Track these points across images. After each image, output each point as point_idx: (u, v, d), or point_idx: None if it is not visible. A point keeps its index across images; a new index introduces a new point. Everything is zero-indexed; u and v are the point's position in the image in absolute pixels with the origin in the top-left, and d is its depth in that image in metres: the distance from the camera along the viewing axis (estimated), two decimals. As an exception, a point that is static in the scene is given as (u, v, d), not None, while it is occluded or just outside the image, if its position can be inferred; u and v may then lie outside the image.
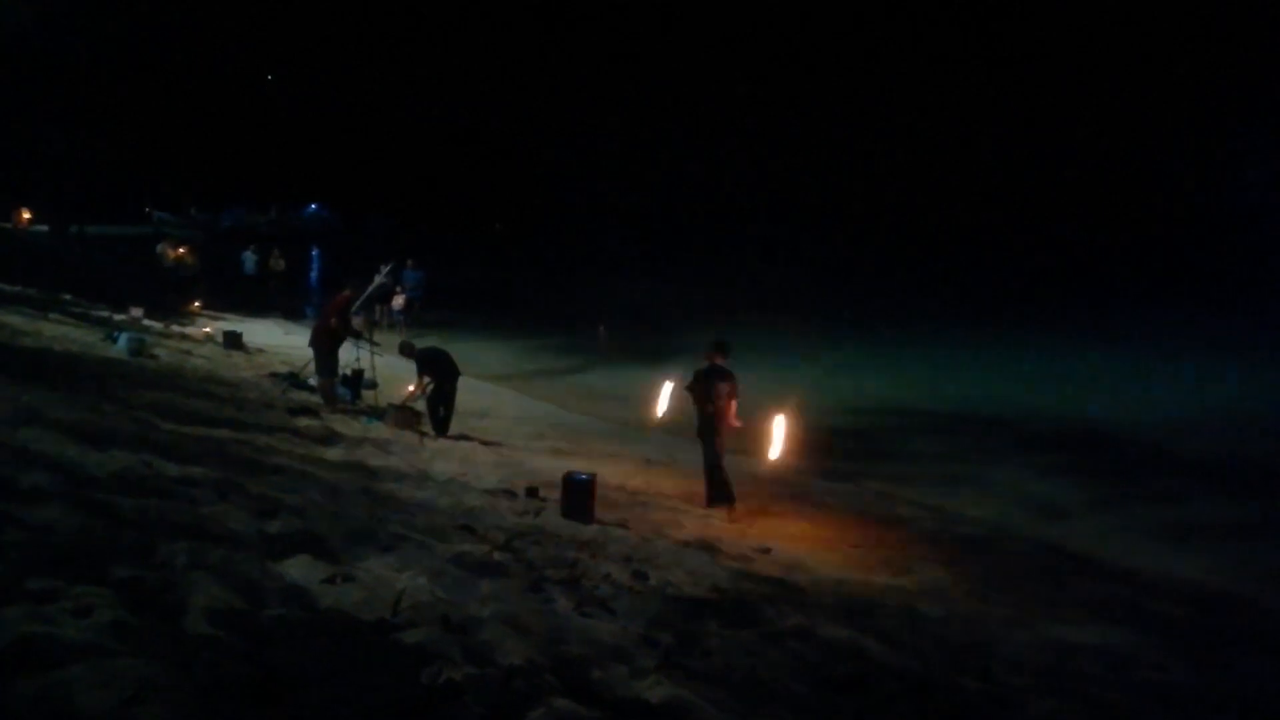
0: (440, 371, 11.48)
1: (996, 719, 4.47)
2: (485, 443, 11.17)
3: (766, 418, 9.39)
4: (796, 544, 8.27)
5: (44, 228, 35.68)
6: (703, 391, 9.42)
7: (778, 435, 9.26)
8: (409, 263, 17.53)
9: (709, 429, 9.36)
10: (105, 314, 16.72)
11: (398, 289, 20.56)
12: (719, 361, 9.50)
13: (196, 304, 21.94)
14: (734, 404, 9.39)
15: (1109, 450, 12.82)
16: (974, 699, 4.61)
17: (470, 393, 14.89)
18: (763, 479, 10.20)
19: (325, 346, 11.72)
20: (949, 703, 4.47)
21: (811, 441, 12.62)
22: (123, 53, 32.26)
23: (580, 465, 9.35)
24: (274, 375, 13.20)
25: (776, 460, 9.45)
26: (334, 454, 8.46)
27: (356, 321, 14.07)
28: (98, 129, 32.72)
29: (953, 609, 6.68)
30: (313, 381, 12.42)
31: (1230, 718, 5.36)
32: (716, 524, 8.69)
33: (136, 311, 17.05)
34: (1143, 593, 7.69)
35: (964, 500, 10.58)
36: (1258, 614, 7.39)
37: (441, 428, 11.36)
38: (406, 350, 12.08)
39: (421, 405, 11.75)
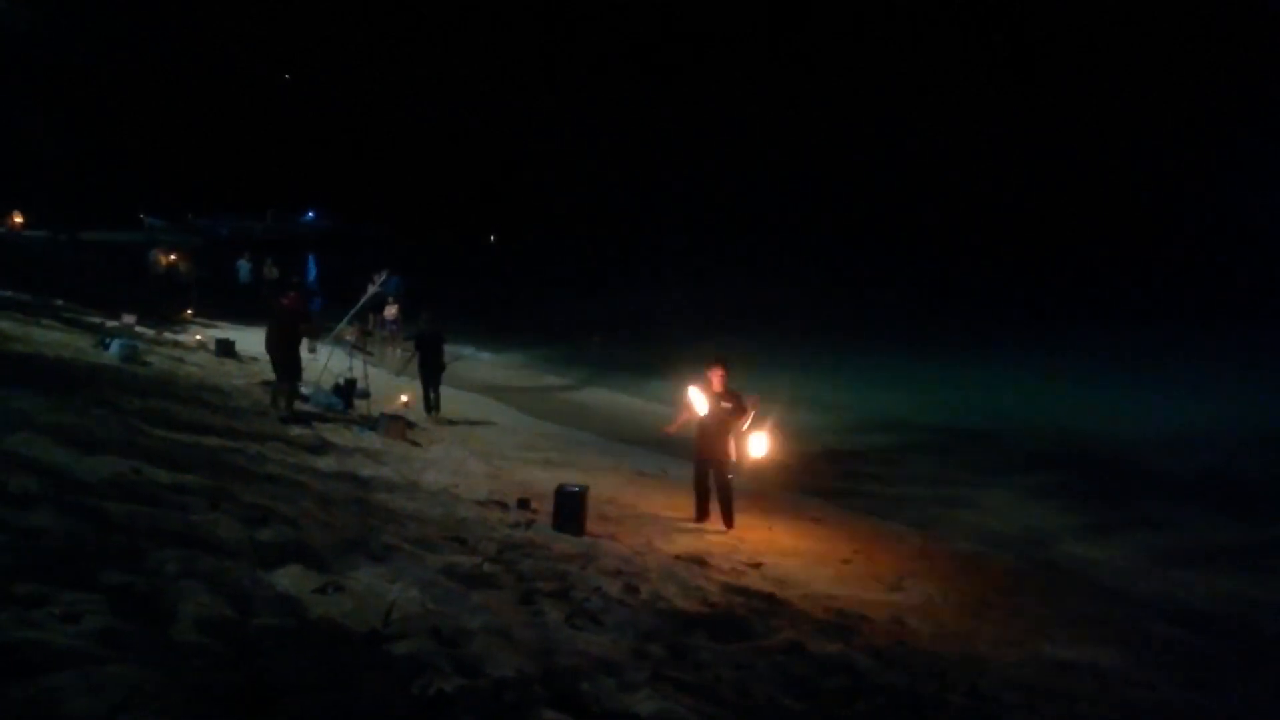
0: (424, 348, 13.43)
1: (986, 736, 4.47)
2: (477, 453, 11.15)
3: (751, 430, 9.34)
4: (788, 559, 8.26)
5: (41, 232, 35.55)
6: (717, 413, 9.25)
7: (759, 443, 9.20)
8: (384, 272, 17.38)
9: (722, 451, 9.25)
10: (97, 320, 16.66)
11: (390, 298, 20.51)
12: (722, 379, 9.34)
13: (189, 311, 21.89)
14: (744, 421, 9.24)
15: (1101, 468, 12.86)
16: (963, 715, 4.61)
17: (463, 404, 14.90)
18: (755, 495, 10.19)
19: (288, 351, 11.24)
20: (938, 719, 4.47)
21: (804, 458, 12.66)
22: (121, 58, 32.30)
23: (572, 477, 9.35)
24: (266, 384, 13.16)
25: (756, 461, 9.34)
26: (326, 463, 8.44)
27: (350, 331, 14.09)
28: (94, 133, 32.71)
29: (943, 626, 6.69)
30: (306, 390, 12.41)
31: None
32: (708, 538, 8.69)
33: (129, 318, 17.00)
34: (1133, 612, 7.70)
35: (955, 518, 10.59)
36: (1246, 634, 7.40)
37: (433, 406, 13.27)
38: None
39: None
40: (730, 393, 9.28)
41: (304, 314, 11.55)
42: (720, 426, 9.22)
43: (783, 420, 9.55)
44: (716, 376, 9.32)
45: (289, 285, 12.43)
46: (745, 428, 9.22)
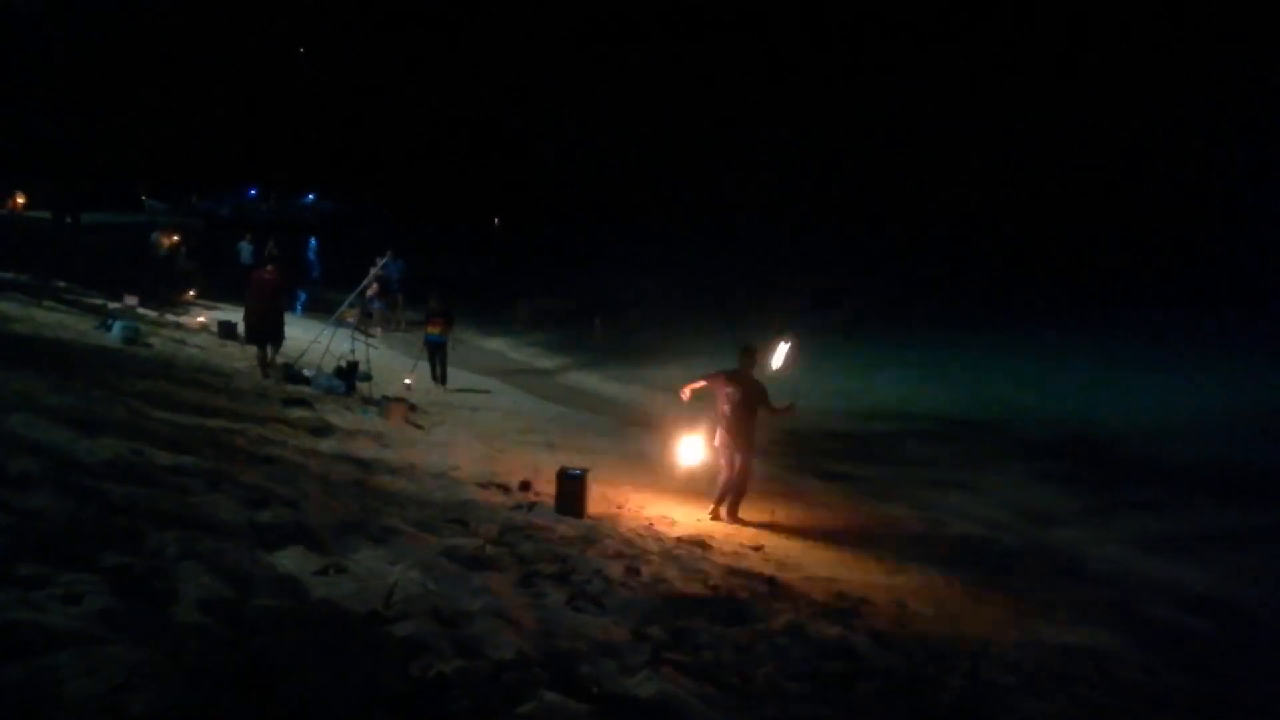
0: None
1: (985, 718, 4.48)
2: (479, 436, 11.16)
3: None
4: (789, 542, 8.28)
5: (44, 214, 35.41)
6: (747, 398, 9.02)
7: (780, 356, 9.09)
8: (388, 254, 17.28)
9: (745, 439, 9.04)
10: (99, 302, 16.65)
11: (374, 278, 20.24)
12: (751, 367, 9.08)
13: (191, 293, 21.87)
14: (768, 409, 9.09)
15: (1102, 455, 12.85)
16: (963, 698, 4.62)
17: (465, 387, 14.92)
18: (757, 478, 10.18)
19: (275, 320, 12.39)
20: (938, 701, 4.48)
21: (807, 442, 12.66)
22: (124, 39, 32.15)
23: (573, 460, 9.34)
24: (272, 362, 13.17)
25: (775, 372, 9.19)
26: (327, 446, 8.44)
27: (352, 314, 14.12)
28: (96, 115, 32.59)
29: (943, 609, 6.70)
30: (308, 372, 12.45)
31: (1215, 718, 5.38)
32: (710, 521, 8.70)
33: (131, 300, 16.98)
34: (1131, 596, 7.72)
35: (956, 503, 10.59)
36: (1243, 617, 7.42)
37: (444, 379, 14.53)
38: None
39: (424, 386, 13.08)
40: (757, 382, 9.04)
41: (285, 286, 12.62)
42: (745, 414, 8.98)
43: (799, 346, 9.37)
44: (748, 365, 9.06)
45: (269, 259, 13.01)
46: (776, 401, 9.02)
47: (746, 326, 15.90)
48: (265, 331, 12.26)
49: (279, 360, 12.83)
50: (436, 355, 14.62)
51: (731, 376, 9.08)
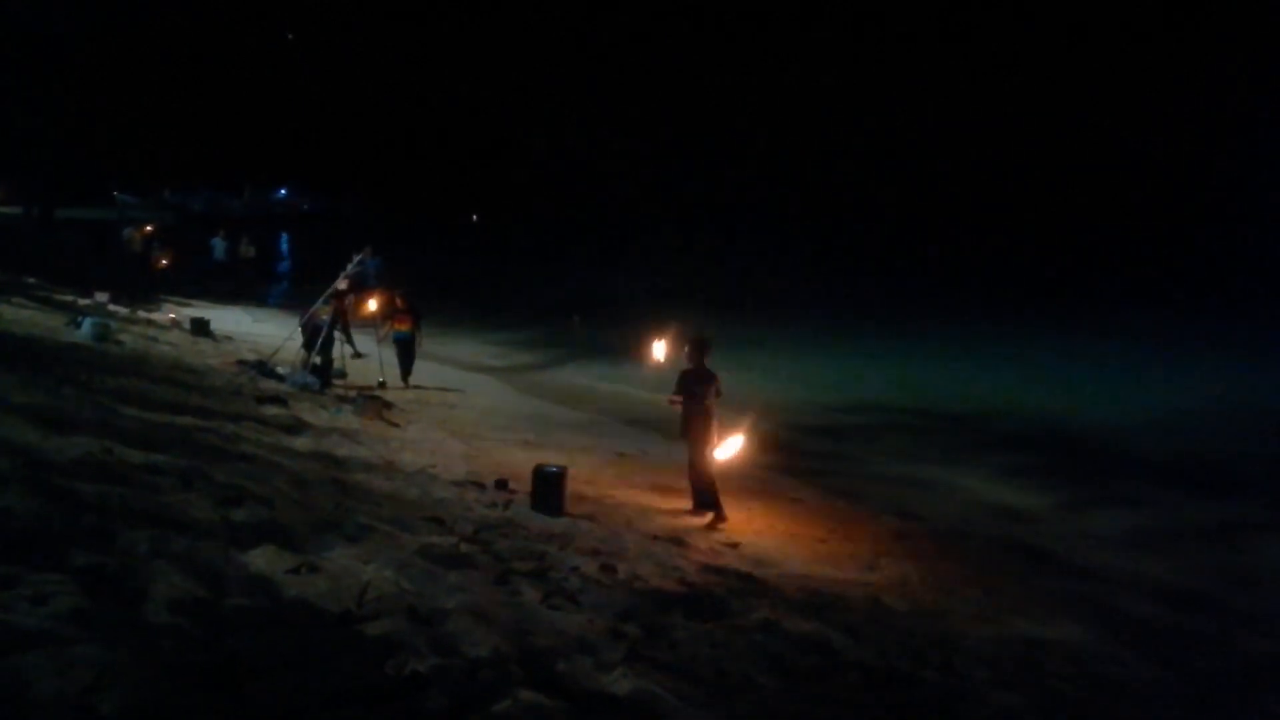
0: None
1: (958, 712, 4.52)
2: (455, 434, 11.12)
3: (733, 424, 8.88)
4: (764, 539, 8.30)
5: (14, 209, 34.94)
6: (691, 394, 8.92)
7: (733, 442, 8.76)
8: (367, 249, 16.97)
9: (700, 434, 8.91)
10: (70, 298, 16.45)
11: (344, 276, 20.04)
12: (702, 361, 9.01)
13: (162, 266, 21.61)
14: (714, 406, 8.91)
15: (1078, 450, 12.95)
16: (936, 692, 4.66)
17: (441, 384, 14.86)
18: (731, 475, 10.20)
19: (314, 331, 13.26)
20: (912, 696, 4.52)
21: (782, 438, 12.69)
22: (97, 32, 31.71)
23: (550, 457, 9.33)
24: (241, 363, 13.07)
25: (724, 459, 8.88)
26: (301, 443, 8.38)
27: (326, 310, 14.02)
28: (68, 107, 32.14)
29: (917, 604, 6.74)
30: (283, 370, 12.37)
31: (1188, 713, 5.45)
32: (686, 519, 8.69)
33: (102, 296, 16.79)
34: (1106, 590, 7.79)
35: (931, 497, 10.65)
36: (1218, 612, 7.50)
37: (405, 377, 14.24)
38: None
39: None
40: (707, 371, 8.99)
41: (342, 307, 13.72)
42: (697, 407, 8.90)
43: (758, 424, 9.15)
44: (694, 356, 9.01)
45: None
46: (714, 398, 8.89)
47: (722, 324, 15.92)
48: (312, 343, 13.27)
49: (252, 357, 12.75)
50: (404, 353, 14.49)
51: (699, 376, 8.98)
